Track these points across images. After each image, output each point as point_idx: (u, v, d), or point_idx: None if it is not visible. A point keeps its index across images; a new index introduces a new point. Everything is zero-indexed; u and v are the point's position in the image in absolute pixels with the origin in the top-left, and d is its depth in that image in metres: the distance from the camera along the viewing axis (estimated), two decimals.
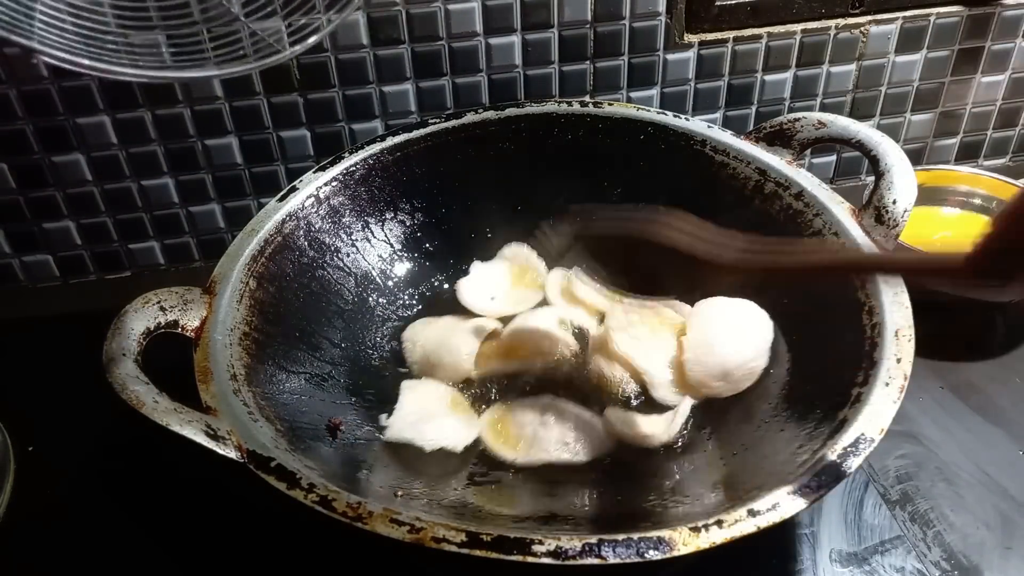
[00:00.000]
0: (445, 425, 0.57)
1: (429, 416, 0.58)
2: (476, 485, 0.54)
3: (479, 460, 0.56)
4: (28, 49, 0.41)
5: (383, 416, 0.58)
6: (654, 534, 0.39)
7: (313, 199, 0.65)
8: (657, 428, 0.56)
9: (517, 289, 0.70)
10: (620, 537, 0.39)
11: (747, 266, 0.47)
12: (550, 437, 0.56)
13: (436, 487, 0.53)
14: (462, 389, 0.62)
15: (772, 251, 0.48)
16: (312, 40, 0.52)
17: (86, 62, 0.43)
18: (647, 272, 0.55)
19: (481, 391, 0.62)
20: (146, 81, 0.45)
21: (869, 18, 0.79)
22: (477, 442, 0.57)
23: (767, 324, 0.59)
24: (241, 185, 0.79)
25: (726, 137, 0.67)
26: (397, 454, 0.56)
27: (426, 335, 0.65)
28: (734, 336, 0.59)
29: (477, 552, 0.39)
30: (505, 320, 0.67)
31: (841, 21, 0.79)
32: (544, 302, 0.69)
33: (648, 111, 0.70)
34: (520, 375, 0.63)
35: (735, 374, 0.58)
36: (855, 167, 0.90)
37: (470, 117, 0.71)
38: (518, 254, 0.71)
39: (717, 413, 0.58)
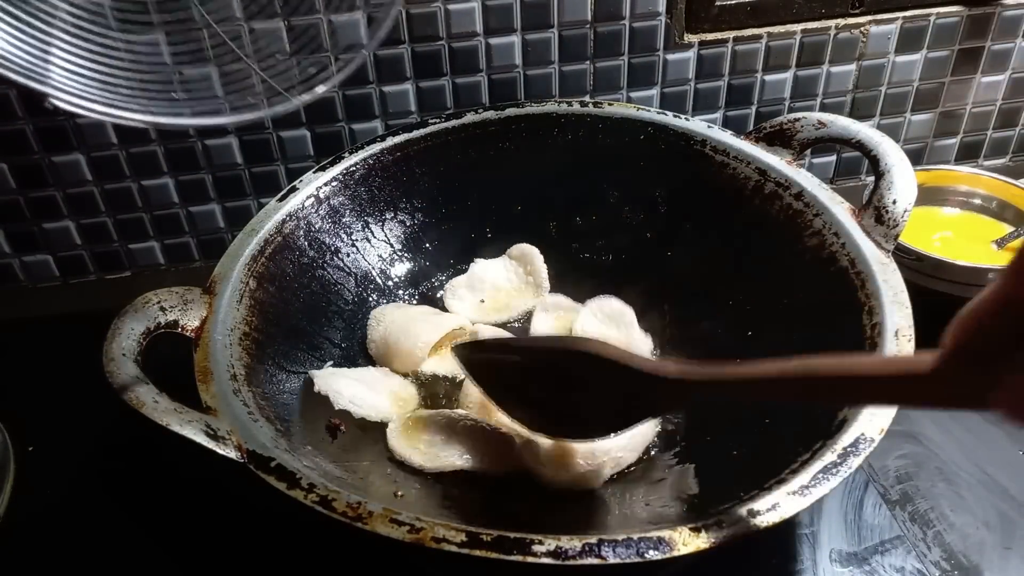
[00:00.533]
0: (367, 397, 0.57)
1: (361, 385, 0.58)
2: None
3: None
4: (42, 94, 0.41)
5: (329, 363, 0.60)
6: (654, 534, 0.39)
7: (313, 199, 0.65)
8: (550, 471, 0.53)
9: (511, 294, 0.70)
10: (620, 537, 0.39)
11: (692, 379, 0.41)
12: (458, 446, 0.55)
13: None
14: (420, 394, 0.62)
15: (716, 369, 0.41)
16: (321, 89, 0.53)
17: (100, 108, 0.43)
18: (572, 406, 0.47)
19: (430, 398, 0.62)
20: (161, 127, 0.46)
21: (869, 18, 0.79)
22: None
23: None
24: (241, 185, 0.79)
25: (726, 137, 0.67)
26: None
27: (393, 317, 0.65)
28: None
29: (477, 552, 0.39)
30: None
31: (841, 21, 0.79)
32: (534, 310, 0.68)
33: (648, 111, 0.70)
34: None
35: (598, 458, 0.53)
36: (855, 167, 0.90)
37: (470, 117, 0.71)
38: (524, 254, 0.71)
39: (717, 414, 0.58)
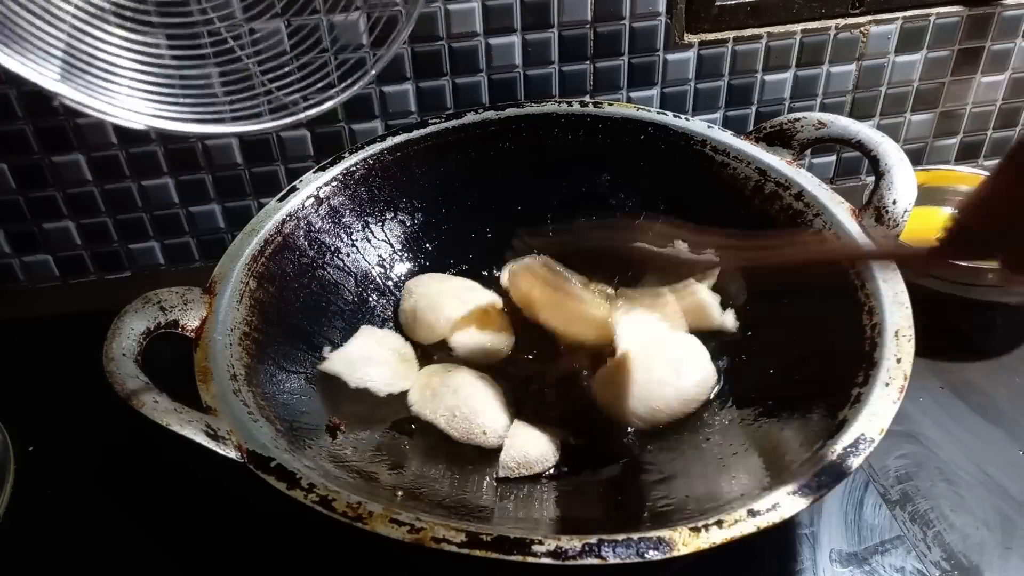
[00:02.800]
0: (379, 370, 0.59)
1: (369, 359, 0.60)
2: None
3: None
4: (52, 93, 0.40)
5: (327, 348, 0.60)
6: (654, 534, 0.39)
7: (313, 199, 0.65)
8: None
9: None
10: (620, 537, 0.39)
11: (726, 265, 0.53)
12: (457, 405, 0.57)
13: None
14: (422, 352, 0.64)
15: (748, 247, 0.51)
16: (327, 106, 0.54)
17: (102, 106, 0.42)
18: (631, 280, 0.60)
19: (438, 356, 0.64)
20: (166, 131, 0.45)
21: (869, 18, 0.79)
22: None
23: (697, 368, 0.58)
24: (241, 185, 0.79)
25: (726, 137, 0.67)
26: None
27: (425, 289, 0.66)
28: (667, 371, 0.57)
29: (477, 552, 0.39)
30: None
31: (841, 21, 0.79)
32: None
33: (648, 111, 0.70)
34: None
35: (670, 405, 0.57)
36: (855, 167, 0.90)
37: (470, 117, 0.71)
38: None
39: (717, 415, 0.58)
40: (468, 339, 0.64)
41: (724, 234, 0.52)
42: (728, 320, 0.62)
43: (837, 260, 0.53)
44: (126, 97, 0.44)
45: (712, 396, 0.58)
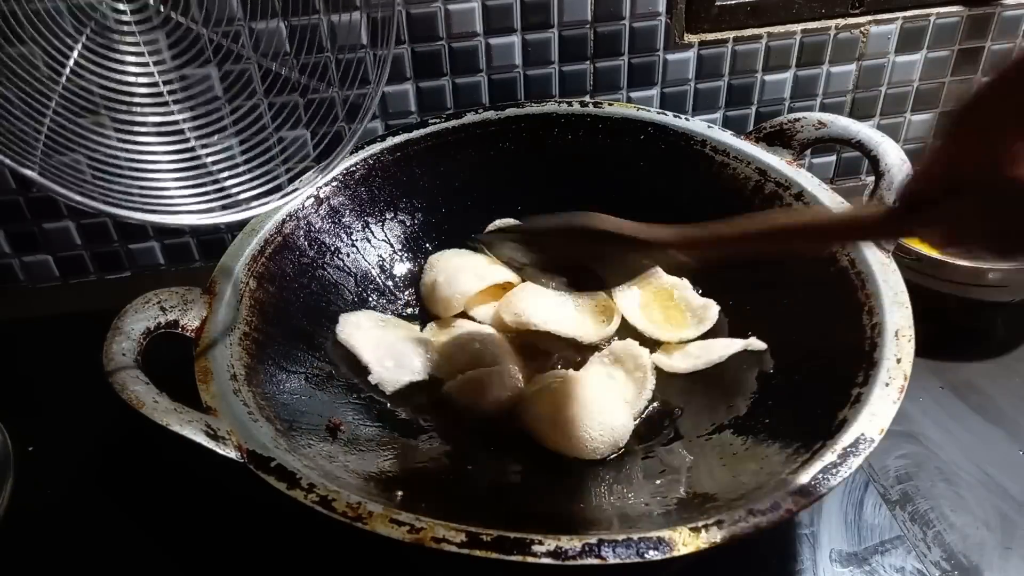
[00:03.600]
0: (414, 357, 0.62)
1: (396, 353, 0.62)
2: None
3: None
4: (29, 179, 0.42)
5: (370, 376, 0.60)
6: (654, 534, 0.39)
7: (313, 199, 0.65)
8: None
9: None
10: (620, 537, 0.39)
11: (676, 241, 0.48)
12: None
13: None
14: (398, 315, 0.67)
15: (698, 231, 0.48)
16: (272, 205, 0.58)
17: (77, 198, 0.45)
18: (586, 269, 0.54)
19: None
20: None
21: (869, 18, 0.79)
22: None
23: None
24: None
25: (726, 137, 0.67)
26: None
27: (445, 264, 0.68)
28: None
29: (477, 552, 0.39)
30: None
31: (841, 21, 0.79)
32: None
33: (648, 111, 0.70)
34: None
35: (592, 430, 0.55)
36: (855, 167, 0.90)
37: (470, 117, 0.71)
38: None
39: (716, 416, 0.58)
40: (488, 312, 0.66)
41: (675, 229, 0.49)
42: (754, 343, 0.60)
43: (785, 236, 0.46)
44: (104, 186, 0.47)
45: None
